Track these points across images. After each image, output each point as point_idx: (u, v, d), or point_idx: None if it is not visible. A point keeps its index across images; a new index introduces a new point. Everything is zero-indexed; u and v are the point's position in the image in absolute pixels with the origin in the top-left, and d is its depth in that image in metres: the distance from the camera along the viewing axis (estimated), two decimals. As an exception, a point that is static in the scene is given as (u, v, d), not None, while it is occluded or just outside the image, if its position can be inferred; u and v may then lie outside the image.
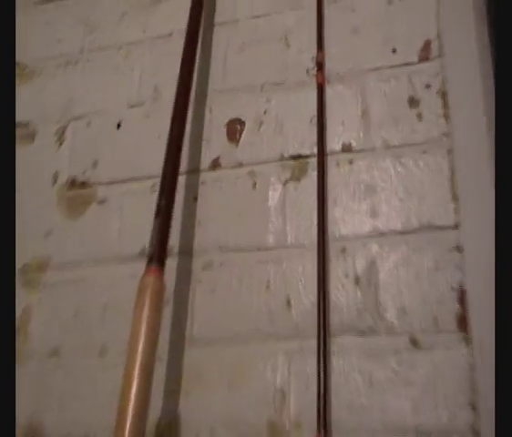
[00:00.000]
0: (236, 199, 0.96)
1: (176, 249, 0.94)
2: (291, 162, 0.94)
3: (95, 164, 1.02)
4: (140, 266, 0.79)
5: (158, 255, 0.77)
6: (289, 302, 0.82)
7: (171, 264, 0.91)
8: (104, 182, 1.02)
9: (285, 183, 0.93)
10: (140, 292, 0.74)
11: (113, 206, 0.99)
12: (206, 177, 0.99)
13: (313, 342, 0.78)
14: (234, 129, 0.99)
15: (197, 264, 0.93)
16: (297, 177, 0.93)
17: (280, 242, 0.90)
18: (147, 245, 0.82)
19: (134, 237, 0.96)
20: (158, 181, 0.84)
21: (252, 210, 0.94)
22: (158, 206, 0.80)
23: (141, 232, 0.93)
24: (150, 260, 0.77)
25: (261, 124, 0.99)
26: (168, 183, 0.82)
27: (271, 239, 0.91)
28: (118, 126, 1.01)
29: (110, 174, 1.03)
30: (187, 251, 0.94)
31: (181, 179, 0.96)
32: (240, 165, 0.97)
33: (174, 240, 0.93)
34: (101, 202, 0.97)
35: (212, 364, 0.82)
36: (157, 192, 0.82)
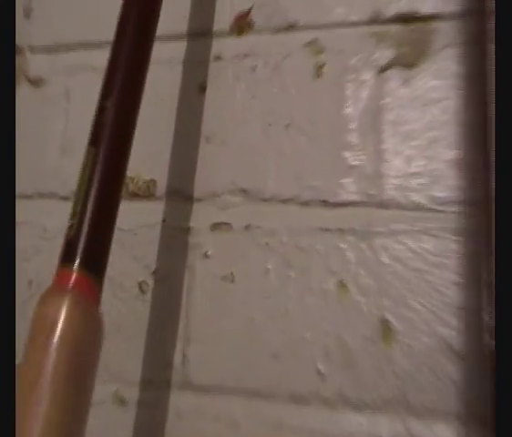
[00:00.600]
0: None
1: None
2: (398, 28, 0.51)
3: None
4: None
5: (87, 251, 0.37)
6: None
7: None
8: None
9: (382, 71, 0.51)
10: (40, 329, 0.34)
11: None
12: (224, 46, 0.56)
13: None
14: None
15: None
16: (410, 60, 0.50)
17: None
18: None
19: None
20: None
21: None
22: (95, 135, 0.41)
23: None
24: (70, 259, 0.37)
25: None
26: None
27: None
28: None
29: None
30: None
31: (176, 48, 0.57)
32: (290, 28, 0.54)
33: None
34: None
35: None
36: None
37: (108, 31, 0.62)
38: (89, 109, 0.61)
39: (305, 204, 0.51)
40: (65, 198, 0.59)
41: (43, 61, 0.63)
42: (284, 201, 0.51)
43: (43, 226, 0.59)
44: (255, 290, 0.51)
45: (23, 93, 0.63)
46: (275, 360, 0.49)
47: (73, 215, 0.39)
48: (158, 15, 0.46)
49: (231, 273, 0.52)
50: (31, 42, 0.64)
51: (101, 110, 0.43)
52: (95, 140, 0.42)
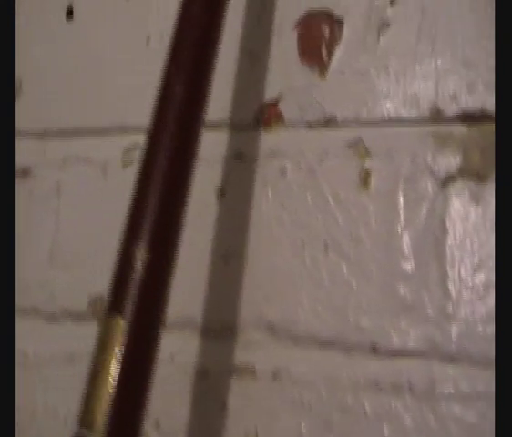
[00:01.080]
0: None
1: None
2: (463, 128, 0.40)
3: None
4: None
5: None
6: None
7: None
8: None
9: (445, 182, 0.40)
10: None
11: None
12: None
13: None
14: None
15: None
16: (480, 170, 0.39)
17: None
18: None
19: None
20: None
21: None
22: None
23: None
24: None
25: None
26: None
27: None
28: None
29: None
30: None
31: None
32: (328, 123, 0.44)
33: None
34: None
35: None
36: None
37: (105, 116, 0.52)
38: (83, 209, 0.52)
39: (350, 349, 0.40)
40: (50, 317, 0.49)
41: (31, 148, 0.53)
42: (323, 344, 0.41)
43: (22, 351, 0.49)
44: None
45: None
46: None
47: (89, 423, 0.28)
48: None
49: (255, 433, 0.41)
50: (19, 126, 0.54)
51: (128, 262, 0.32)
52: (119, 308, 0.31)
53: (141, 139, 0.49)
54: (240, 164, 0.46)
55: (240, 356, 0.43)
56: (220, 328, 0.43)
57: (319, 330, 0.41)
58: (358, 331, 0.40)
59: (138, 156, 0.48)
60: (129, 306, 0.31)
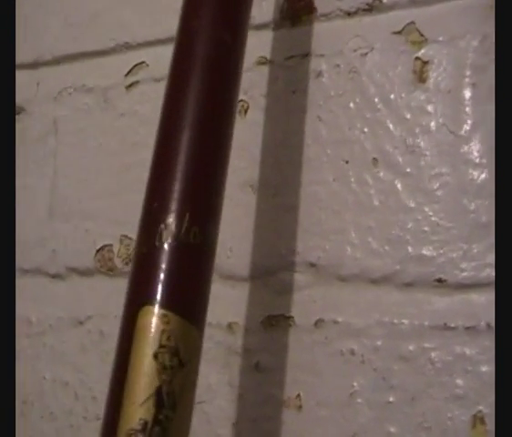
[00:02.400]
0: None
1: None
2: None
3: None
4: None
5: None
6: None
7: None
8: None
9: None
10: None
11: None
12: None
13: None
14: None
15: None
16: None
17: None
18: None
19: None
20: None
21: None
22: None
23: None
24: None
25: None
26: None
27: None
28: None
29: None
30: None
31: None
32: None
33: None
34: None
35: None
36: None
37: (103, 36, 0.44)
38: (84, 148, 0.44)
39: (410, 285, 0.32)
40: (54, 277, 0.42)
41: (22, 82, 0.46)
42: (376, 282, 0.33)
43: (27, 316, 0.42)
44: (334, 424, 0.32)
45: (-3, 129, 0.45)
46: None
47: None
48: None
49: (298, 397, 0.33)
50: (7, 58, 0.47)
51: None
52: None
53: (145, 56, 0.42)
54: (265, 70, 0.37)
55: (275, 304, 0.35)
56: (248, 273, 0.36)
57: (371, 265, 0.33)
58: (420, 263, 0.32)
59: (143, 75, 0.41)
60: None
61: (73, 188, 0.43)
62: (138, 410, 0.21)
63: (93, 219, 0.41)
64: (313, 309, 0.34)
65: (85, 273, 0.41)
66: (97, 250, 0.41)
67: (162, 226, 0.23)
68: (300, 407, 0.33)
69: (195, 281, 0.24)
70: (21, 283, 0.43)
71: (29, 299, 0.43)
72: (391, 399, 0.31)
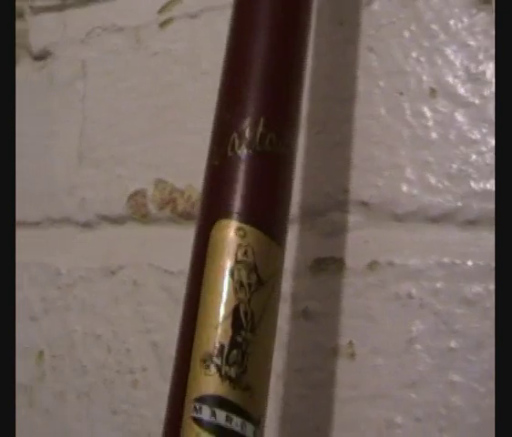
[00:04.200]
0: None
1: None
2: None
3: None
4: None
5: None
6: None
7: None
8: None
9: None
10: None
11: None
12: None
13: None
14: None
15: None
16: None
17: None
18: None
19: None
20: None
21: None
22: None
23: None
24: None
25: None
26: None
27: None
28: None
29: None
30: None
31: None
32: None
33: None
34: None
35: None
36: None
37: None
38: (114, 91, 0.42)
39: (473, 223, 0.30)
40: (84, 226, 0.40)
41: (49, 25, 0.43)
42: (436, 220, 0.30)
43: (55, 268, 0.40)
44: (390, 373, 0.30)
45: (23, 73, 0.43)
46: None
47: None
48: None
49: (350, 344, 0.31)
50: (32, 2, 0.45)
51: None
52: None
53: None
54: None
55: (324, 247, 0.32)
56: (295, 215, 0.33)
57: (429, 202, 0.31)
58: (484, 197, 0.29)
59: (177, 11, 0.38)
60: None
61: (103, 133, 0.40)
62: (214, 332, 0.19)
63: (125, 164, 0.39)
64: (366, 251, 0.31)
65: (116, 221, 0.39)
66: (130, 196, 0.38)
67: (235, 134, 0.21)
68: (352, 355, 0.31)
69: (272, 191, 0.21)
70: (49, 233, 0.41)
71: (58, 249, 0.41)
72: (453, 345, 0.29)
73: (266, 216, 0.21)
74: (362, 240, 0.32)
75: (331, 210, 0.32)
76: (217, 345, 0.19)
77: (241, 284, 0.20)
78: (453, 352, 0.29)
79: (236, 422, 0.19)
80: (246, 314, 0.20)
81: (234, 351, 0.19)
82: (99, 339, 0.38)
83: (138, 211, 0.38)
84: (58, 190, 0.41)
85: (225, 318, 0.20)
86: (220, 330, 0.19)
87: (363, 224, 0.32)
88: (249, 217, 0.20)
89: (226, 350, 0.19)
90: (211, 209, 0.21)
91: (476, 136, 0.30)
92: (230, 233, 0.20)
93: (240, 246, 0.20)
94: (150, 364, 0.36)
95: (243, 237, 0.20)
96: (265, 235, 0.21)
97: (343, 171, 0.32)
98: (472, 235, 0.30)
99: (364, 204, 0.32)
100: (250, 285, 0.20)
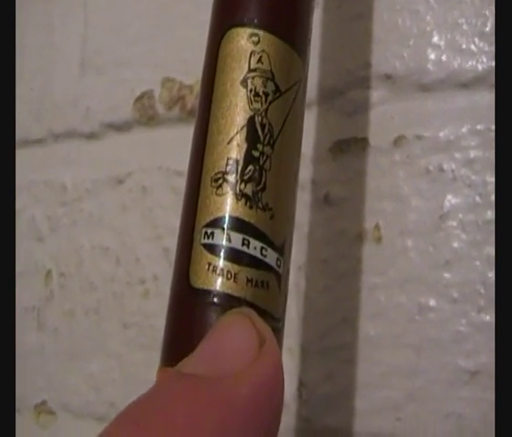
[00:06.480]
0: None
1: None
2: None
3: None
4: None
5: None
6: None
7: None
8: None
9: None
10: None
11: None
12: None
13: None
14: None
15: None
16: None
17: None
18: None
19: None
20: None
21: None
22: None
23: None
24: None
25: None
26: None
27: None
28: None
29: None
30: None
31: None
32: None
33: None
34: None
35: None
36: None
37: None
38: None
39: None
40: (89, 137, 0.38)
41: None
42: (467, 85, 0.28)
43: (61, 184, 0.38)
44: (422, 254, 0.27)
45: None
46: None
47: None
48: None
49: (376, 227, 0.28)
50: None
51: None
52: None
53: None
54: None
55: (345, 127, 0.30)
56: (313, 96, 0.31)
57: (460, 66, 0.28)
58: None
59: None
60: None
61: (106, 38, 0.38)
62: (226, 148, 0.17)
63: (130, 67, 0.37)
64: (391, 127, 0.29)
65: (122, 128, 0.37)
66: (136, 99, 0.36)
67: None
68: (379, 238, 0.28)
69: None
70: (53, 149, 0.39)
71: (63, 164, 0.39)
72: (490, 217, 0.26)
73: (283, 21, 0.19)
74: (386, 116, 0.29)
75: (351, 88, 0.30)
76: (230, 161, 0.17)
77: (257, 93, 0.17)
78: (490, 225, 0.26)
79: (254, 246, 0.17)
80: (263, 126, 0.17)
81: (250, 166, 0.17)
82: (107, 251, 0.36)
83: (145, 114, 0.36)
84: (61, 103, 0.39)
85: (238, 131, 0.17)
86: (232, 146, 0.17)
87: (388, 99, 0.29)
88: (264, 22, 0.18)
89: (241, 166, 0.17)
90: (221, 19, 0.19)
91: (509, -10, 0.27)
92: (242, 40, 0.18)
93: (253, 53, 0.18)
94: (162, 271, 0.34)
95: (257, 43, 0.18)
96: (283, 41, 0.18)
97: (363, 45, 0.30)
98: (508, 97, 0.27)
99: (388, 77, 0.29)
100: (266, 94, 0.18)
